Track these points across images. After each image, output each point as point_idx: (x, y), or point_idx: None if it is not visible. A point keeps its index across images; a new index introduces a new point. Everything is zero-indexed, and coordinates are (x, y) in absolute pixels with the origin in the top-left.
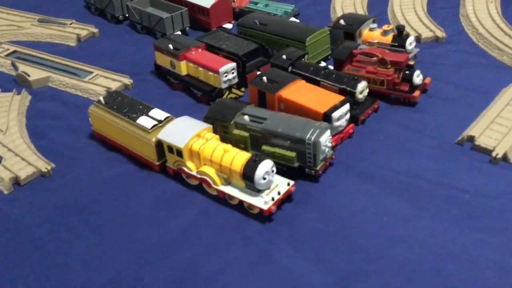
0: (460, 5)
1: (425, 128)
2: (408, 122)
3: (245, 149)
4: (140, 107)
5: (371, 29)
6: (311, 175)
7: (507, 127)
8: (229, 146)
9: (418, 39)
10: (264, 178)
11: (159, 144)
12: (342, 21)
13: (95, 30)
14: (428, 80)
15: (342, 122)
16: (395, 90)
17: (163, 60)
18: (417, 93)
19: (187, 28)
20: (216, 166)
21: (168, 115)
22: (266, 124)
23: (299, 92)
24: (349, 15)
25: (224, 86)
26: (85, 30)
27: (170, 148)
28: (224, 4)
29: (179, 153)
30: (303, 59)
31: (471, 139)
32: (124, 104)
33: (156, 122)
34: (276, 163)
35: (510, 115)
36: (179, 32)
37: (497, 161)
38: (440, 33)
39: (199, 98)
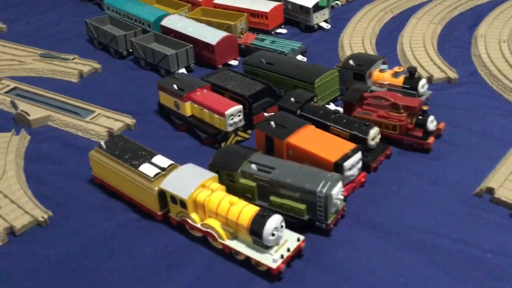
0: (471, 44)
1: (440, 177)
2: (422, 171)
3: (252, 199)
4: (143, 153)
5: (381, 70)
6: (322, 229)
7: None
8: (235, 199)
9: (429, 80)
10: (273, 234)
11: (162, 193)
12: (351, 62)
13: (98, 65)
14: (442, 125)
15: (354, 172)
16: (408, 135)
17: (167, 100)
18: (431, 139)
19: (192, 65)
20: (222, 219)
21: (172, 162)
22: (275, 174)
23: (309, 138)
24: (358, 55)
25: (230, 129)
26: (87, 65)
27: (174, 199)
28: (229, 41)
29: (183, 204)
30: (312, 102)
31: (490, 191)
32: (126, 150)
33: (159, 170)
34: (284, 215)
35: None
36: (183, 70)
37: None
38: (452, 74)
39: (204, 140)
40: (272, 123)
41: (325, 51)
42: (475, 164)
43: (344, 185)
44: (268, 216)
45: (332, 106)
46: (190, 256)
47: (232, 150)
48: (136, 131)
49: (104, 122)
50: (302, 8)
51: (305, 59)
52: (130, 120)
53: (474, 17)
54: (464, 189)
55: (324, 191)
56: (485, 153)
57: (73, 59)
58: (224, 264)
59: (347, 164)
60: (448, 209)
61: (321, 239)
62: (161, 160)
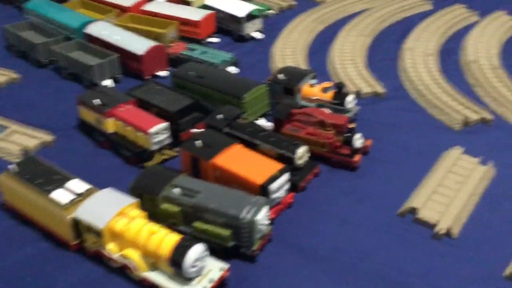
0: (398, 57)
1: (367, 196)
2: (349, 189)
3: (176, 225)
4: (58, 177)
5: (311, 85)
6: (247, 255)
7: (449, 197)
8: (156, 227)
9: (357, 94)
10: (194, 266)
11: (76, 222)
12: (281, 75)
13: (16, 76)
14: (369, 142)
15: (281, 193)
16: (336, 153)
17: (88, 115)
18: (357, 157)
19: (118, 76)
20: (141, 249)
21: (89, 187)
22: (199, 198)
23: (235, 159)
24: (289, 68)
25: (154, 147)
26: (4, 75)
27: (89, 228)
28: (158, 51)
29: (99, 234)
30: (240, 118)
31: (413, 210)
32: (39, 173)
33: (74, 196)
34: (209, 242)
35: (451, 183)
36: (109, 81)
37: (440, 237)
38: (380, 89)
39: (128, 159)
40: (198, 142)
41: (257, 63)
42: (400, 182)
43: (271, 207)
44: (190, 246)
45: (262, 122)
46: None
47: (155, 172)
48: (55, 149)
49: (18, 139)
50: (234, 17)
51: (237, 70)
52: (48, 137)
53: (403, 29)
54: (389, 209)
55: (248, 217)
56: (409, 170)
57: None
58: None
59: (273, 186)
60: (373, 230)
61: (247, 266)
62: (77, 185)
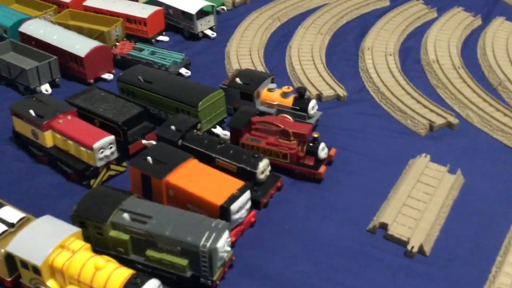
0: (359, 57)
1: (333, 211)
2: (314, 204)
3: (126, 254)
4: None
5: (270, 90)
6: (207, 285)
7: (419, 210)
8: (102, 261)
9: (319, 97)
10: None
11: (10, 257)
12: (238, 80)
13: None
14: (333, 151)
15: (243, 213)
16: (299, 164)
17: (23, 128)
18: (322, 169)
19: (57, 80)
20: (86, 287)
21: (23, 215)
22: (151, 224)
23: (191, 176)
24: (246, 72)
25: (100, 164)
26: None
27: (25, 264)
28: (102, 52)
29: (37, 271)
30: (195, 129)
31: (383, 226)
32: None
33: (6, 228)
34: (164, 272)
35: (421, 195)
36: (46, 86)
37: (413, 255)
38: (341, 91)
39: (70, 175)
40: (149, 158)
41: (211, 63)
42: (367, 194)
43: (232, 229)
44: (142, 284)
45: (219, 130)
46: None
47: (100, 195)
48: None
49: None
50: (184, 14)
51: (188, 72)
52: None
53: (361, 27)
54: (357, 225)
55: (208, 244)
56: (376, 180)
57: None
58: None
59: (234, 207)
60: (341, 249)
61: None
62: (9, 213)
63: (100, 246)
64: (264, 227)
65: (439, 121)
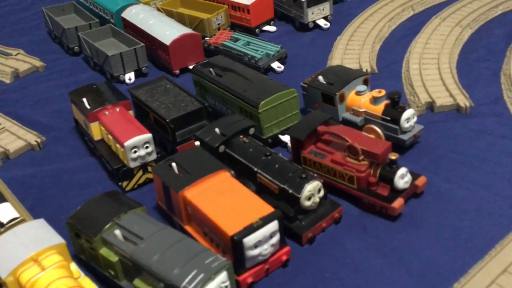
0: (505, 58)
1: (401, 265)
2: (380, 249)
3: (116, 278)
4: None
5: (358, 93)
6: None
7: None
8: (73, 283)
9: (431, 106)
10: None
11: None
12: (321, 78)
13: (40, 64)
14: (421, 181)
15: (265, 250)
16: (369, 193)
17: (79, 117)
18: (398, 202)
19: (143, 68)
20: None
21: (17, 216)
22: (138, 249)
23: (214, 193)
24: (335, 68)
25: (133, 164)
26: (27, 63)
27: None
28: (191, 41)
29: (1, 284)
30: (243, 135)
31: None
32: None
33: None
34: None
35: None
36: (130, 75)
37: None
38: (464, 101)
39: (110, 174)
40: (174, 165)
41: (313, 58)
42: (456, 248)
43: (250, 267)
44: None
45: (287, 138)
46: None
47: (103, 202)
48: (41, 152)
49: (3, 140)
50: (295, 1)
51: (281, 67)
52: (35, 139)
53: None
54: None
55: (191, 287)
56: (476, 232)
57: (17, 54)
58: None
59: (249, 240)
60: None
61: None
62: (4, 212)
63: (94, 263)
64: (299, 269)
65: None
